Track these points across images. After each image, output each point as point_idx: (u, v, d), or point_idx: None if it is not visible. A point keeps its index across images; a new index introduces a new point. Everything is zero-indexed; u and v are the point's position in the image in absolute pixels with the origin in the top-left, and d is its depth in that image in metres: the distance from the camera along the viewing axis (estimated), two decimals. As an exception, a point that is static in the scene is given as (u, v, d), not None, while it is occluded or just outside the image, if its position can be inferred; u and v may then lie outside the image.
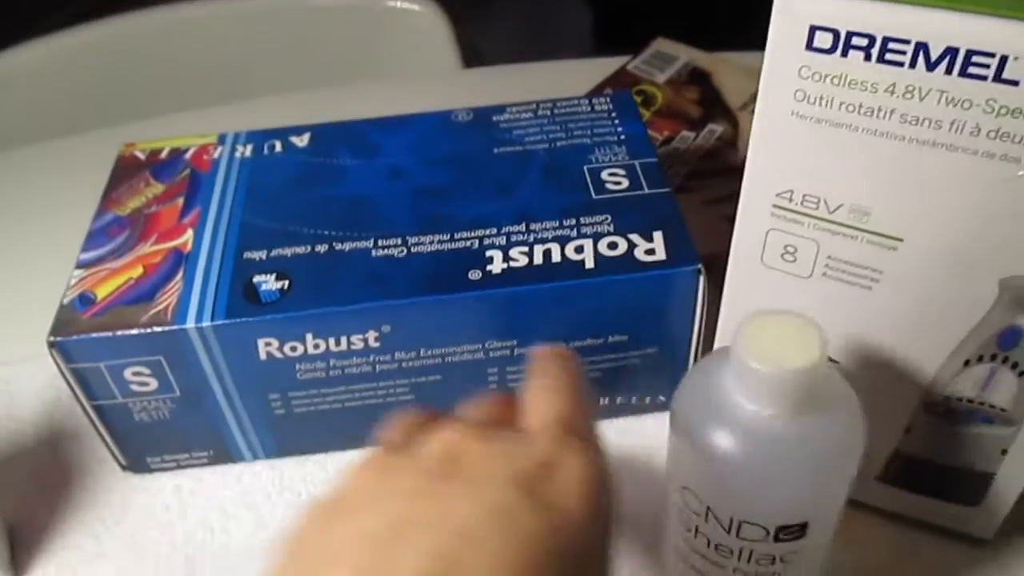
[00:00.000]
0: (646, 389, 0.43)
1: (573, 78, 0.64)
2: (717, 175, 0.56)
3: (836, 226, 0.30)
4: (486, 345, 0.39)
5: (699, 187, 0.55)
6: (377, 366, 0.39)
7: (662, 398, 0.44)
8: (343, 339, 0.38)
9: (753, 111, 0.60)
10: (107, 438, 0.41)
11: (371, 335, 0.38)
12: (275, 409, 0.40)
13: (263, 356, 0.38)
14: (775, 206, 0.31)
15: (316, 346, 0.38)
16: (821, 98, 0.28)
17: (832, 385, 0.30)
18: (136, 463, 0.43)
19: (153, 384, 0.39)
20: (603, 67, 0.67)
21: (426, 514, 0.23)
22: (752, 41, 0.68)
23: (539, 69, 0.74)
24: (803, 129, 0.29)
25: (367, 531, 0.23)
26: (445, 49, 0.84)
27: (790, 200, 0.31)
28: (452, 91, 0.70)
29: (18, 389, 0.47)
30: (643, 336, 0.40)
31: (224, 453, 0.43)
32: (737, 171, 0.56)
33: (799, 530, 0.30)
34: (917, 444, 0.36)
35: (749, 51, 0.68)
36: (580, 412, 0.28)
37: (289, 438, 0.42)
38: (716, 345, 0.39)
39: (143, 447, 0.42)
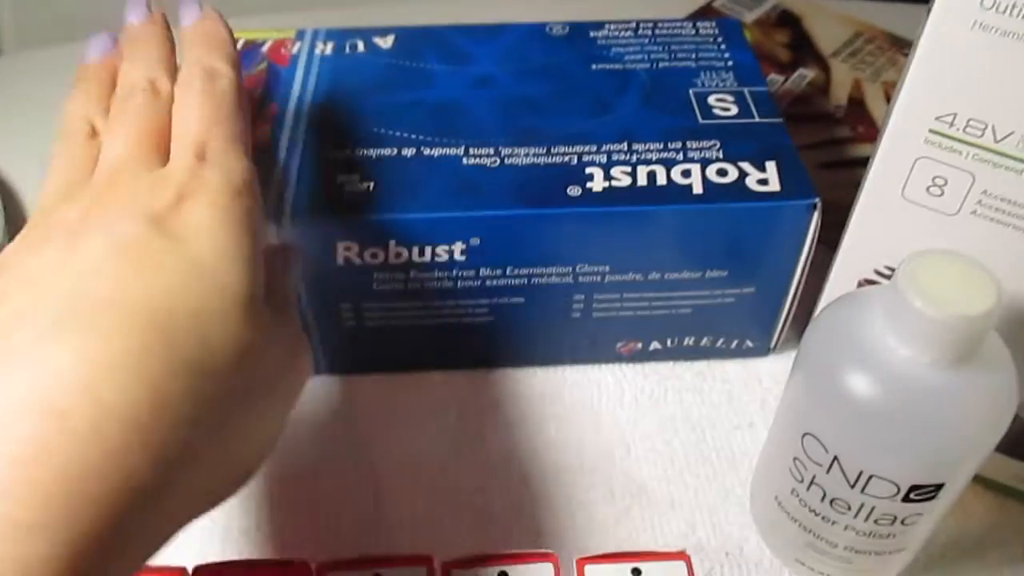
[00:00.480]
0: (735, 332, 0.40)
1: (653, 10, 0.61)
2: (808, 121, 0.53)
3: (1000, 157, 0.28)
4: (577, 268, 0.37)
5: (791, 132, 0.52)
6: (459, 282, 0.37)
7: (749, 344, 0.41)
8: (428, 249, 0.35)
9: (845, 59, 0.57)
10: (165, 338, 0.39)
11: (458, 247, 0.35)
12: (346, 320, 0.38)
13: (340, 261, 0.36)
14: (932, 131, 0.28)
15: (398, 255, 0.35)
16: (1013, 6, 0.25)
17: (990, 338, 0.27)
18: (192, 367, 0.40)
19: (221, 282, 0.36)
20: (686, 1, 0.63)
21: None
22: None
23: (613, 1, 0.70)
24: (984, 42, 0.26)
25: None
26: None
27: (951, 125, 0.28)
28: (524, 11, 0.67)
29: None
30: (743, 273, 0.37)
31: (285, 364, 0.40)
32: (829, 118, 0.54)
33: (933, 491, 0.28)
34: (1040, 408, 0.33)
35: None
36: (216, 132, 0.27)
37: (354, 353, 0.40)
38: (826, 290, 0.36)
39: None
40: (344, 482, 0.37)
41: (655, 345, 0.41)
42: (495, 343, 0.40)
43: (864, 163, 0.31)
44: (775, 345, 0.42)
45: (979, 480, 0.37)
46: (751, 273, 0.38)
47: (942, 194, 0.29)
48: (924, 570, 0.35)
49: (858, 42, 0.59)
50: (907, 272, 0.26)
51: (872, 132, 0.52)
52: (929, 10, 0.26)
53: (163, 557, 0.31)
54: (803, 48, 0.59)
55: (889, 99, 0.54)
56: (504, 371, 0.41)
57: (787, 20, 0.61)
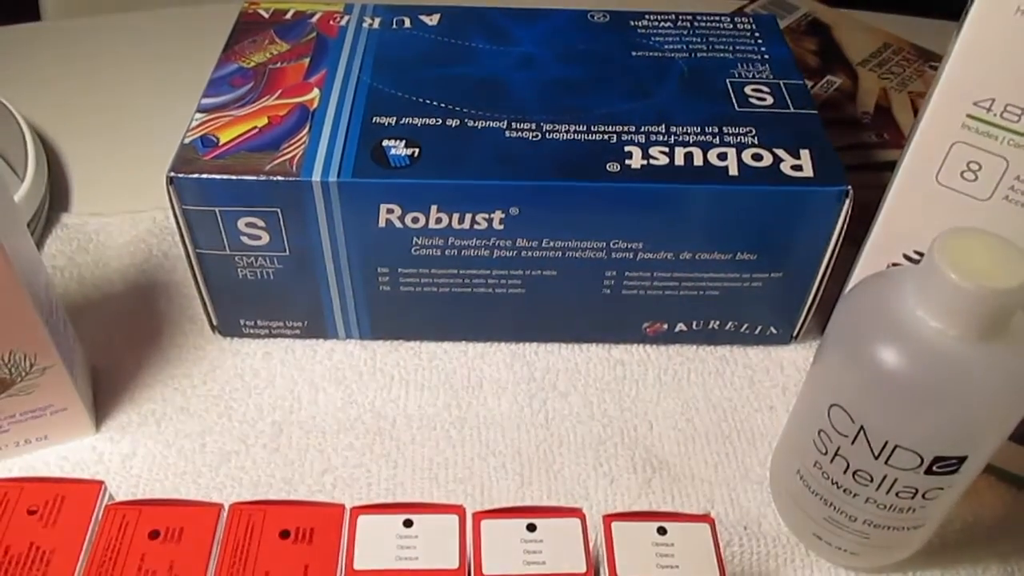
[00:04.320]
0: (760, 318, 0.41)
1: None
2: (836, 125, 0.54)
3: (1035, 143, 0.29)
4: (611, 244, 0.37)
5: (818, 132, 0.53)
6: (495, 251, 0.38)
7: (773, 330, 0.42)
8: (467, 216, 0.36)
9: (873, 68, 0.59)
10: (204, 293, 0.40)
11: (497, 216, 0.36)
12: (381, 285, 0.39)
13: (382, 223, 0.37)
14: (969, 116, 0.29)
15: (439, 220, 0.36)
16: (1057, -7, 0.26)
17: (1017, 317, 0.28)
18: (228, 325, 0.41)
19: (264, 239, 0.37)
20: (717, 6, 0.64)
21: None
22: (872, 3, 0.66)
23: (648, 1, 0.71)
24: (1025, 28, 0.27)
25: None
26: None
27: (988, 110, 0.29)
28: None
29: (108, 240, 0.46)
30: (773, 258, 0.38)
31: (318, 327, 0.41)
32: (856, 123, 0.55)
33: (956, 464, 0.29)
34: (1059, 398, 0.34)
35: (871, 11, 0.66)
36: None
37: (387, 319, 0.41)
38: (855, 272, 0.37)
39: (239, 308, 0.40)
40: (379, 439, 0.38)
41: (680, 327, 0.42)
42: (525, 317, 0.41)
43: (890, 167, 0.32)
44: (797, 334, 0.42)
45: (993, 471, 0.37)
46: (780, 258, 0.38)
47: (975, 179, 0.30)
48: (937, 554, 0.36)
49: (886, 53, 0.60)
50: (942, 246, 0.27)
51: (898, 139, 0.53)
52: (974, -5, 0.27)
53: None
54: (832, 56, 0.60)
55: (915, 109, 0.55)
56: (531, 345, 0.42)
57: (817, 28, 0.62)
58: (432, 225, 0.37)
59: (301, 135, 0.37)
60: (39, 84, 0.58)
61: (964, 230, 0.27)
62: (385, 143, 0.37)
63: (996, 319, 0.27)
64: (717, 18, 0.45)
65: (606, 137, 0.38)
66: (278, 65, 0.41)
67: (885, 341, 0.28)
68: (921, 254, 0.34)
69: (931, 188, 0.31)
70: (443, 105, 0.39)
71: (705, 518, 0.31)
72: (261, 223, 0.37)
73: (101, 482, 0.32)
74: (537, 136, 0.37)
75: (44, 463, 0.37)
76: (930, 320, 0.27)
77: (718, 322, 0.41)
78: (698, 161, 0.37)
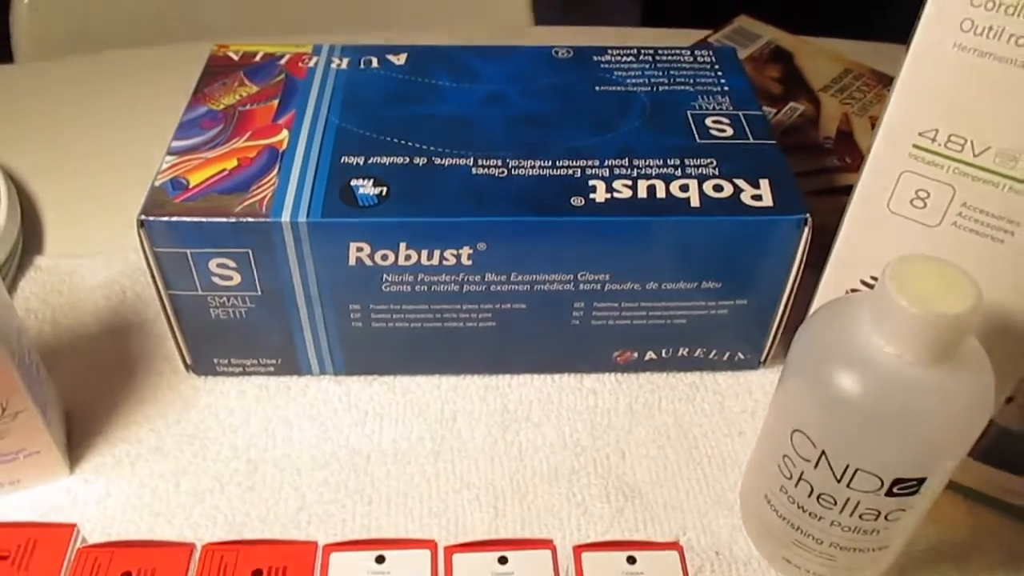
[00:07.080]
0: (727, 344, 0.42)
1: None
2: (798, 151, 0.55)
3: (978, 171, 0.29)
4: (578, 276, 0.38)
5: (781, 159, 0.54)
6: (465, 286, 0.38)
7: (741, 356, 0.43)
8: (436, 253, 0.37)
9: (834, 94, 0.60)
10: (177, 333, 0.40)
11: (465, 251, 0.37)
12: (353, 321, 0.39)
13: (352, 261, 0.37)
14: (915, 146, 0.30)
15: (408, 257, 0.37)
16: (990, 29, 0.27)
17: (970, 340, 0.29)
18: (202, 364, 0.42)
19: (236, 279, 0.38)
20: (681, 38, 0.66)
21: None
22: (833, 30, 0.68)
23: (615, 35, 0.73)
24: (963, 63, 0.28)
25: None
26: (517, 5, 0.84)
27: (933, 140, 0.30)
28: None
29: (82, 281, 0.46)
30: (737, 285, 0.39)
31: (292, 364, 0.42)
32: (819, 149, 0.56)
33: (916, 485, 0.29)
34: (1016, 417, 0.35)
35: (832, 37, 0.68)
36: None
37: (360, 355, 0.41)
38: (816, 299, 0.38)
39: (212, 347, 0.41)
40: (353, 475, 0.39)
41: (650, 355, 0.42)
42: (497, 349, 0.41)
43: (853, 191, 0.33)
44: (765, 358, 0.43)
45: (957, 489, 0.38)
46: (744, 286, 0.39)
47: (925, 206, 0.31)
48: (905, 574, 0.36)
49: (847, 78, 0.61)
50: (892, 273, 0.27)
51: (860, 163, 0.54)
52: (914, 31, 0.28)
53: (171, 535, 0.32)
54: (794, 83, 0.61)
55: (876, 133, 0.56)
56: (504, 377, 0.43)
57: (779, 56, 0.64)
58: (401, 262, 0.37)
59: (270, 176, 0.38)
60: (11, 126, 0.59)
61: (914, 257, 0.28)
62: (353, 183, 0.37)
63: (947, 343, 0.27)
64: (678, 51, 0.46)
65: (571, 172, 0.38)
66: (247, 107, 0.41)
67: (842, 367, 0.29)
68: (877, 280, 0.35)
69: (883, 215, 0.32)
70: (410, 144, 0.39)
71: (673, 545, 0.31)
72: (232, 264, 0.37)
73: (73, 525, 0.32)
74: (503, 172, 0.38)
75: (17, 506, 0.37)
76: (884, 346, 0.28)
77: (687, 349, 0.42)
78: (661, 193, 0.37)
